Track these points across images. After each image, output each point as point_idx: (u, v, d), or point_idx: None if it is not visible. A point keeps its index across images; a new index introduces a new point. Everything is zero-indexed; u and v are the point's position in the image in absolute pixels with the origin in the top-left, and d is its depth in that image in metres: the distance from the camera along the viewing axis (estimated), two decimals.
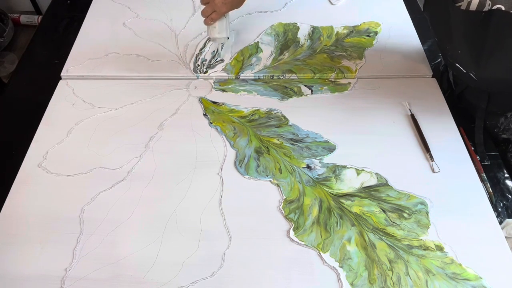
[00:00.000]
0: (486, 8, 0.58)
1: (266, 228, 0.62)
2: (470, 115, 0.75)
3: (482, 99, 0.72)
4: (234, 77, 0.83)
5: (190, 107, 0.78)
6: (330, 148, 0.70)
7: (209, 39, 0.89)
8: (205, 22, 0.80)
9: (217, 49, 0.87)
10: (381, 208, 0.63)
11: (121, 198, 0.65)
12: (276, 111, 0.76)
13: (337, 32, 0.90)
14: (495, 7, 0.56)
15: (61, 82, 0.83)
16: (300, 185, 0.66)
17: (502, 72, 0.64)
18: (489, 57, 0.62)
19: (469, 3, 0.60)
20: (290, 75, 0.82)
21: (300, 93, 0.79)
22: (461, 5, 0.61)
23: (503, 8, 0.56)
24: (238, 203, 0.64)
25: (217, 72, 0.84)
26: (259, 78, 0.82)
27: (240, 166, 0.68)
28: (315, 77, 0.82)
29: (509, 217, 0.64)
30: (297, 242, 0.60)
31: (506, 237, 0.60)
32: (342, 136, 0.72)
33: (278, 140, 0.72)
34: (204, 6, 0.78)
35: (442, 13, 0.66)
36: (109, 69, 0.84)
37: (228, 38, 0.84)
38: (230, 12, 0.81)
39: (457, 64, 0.69)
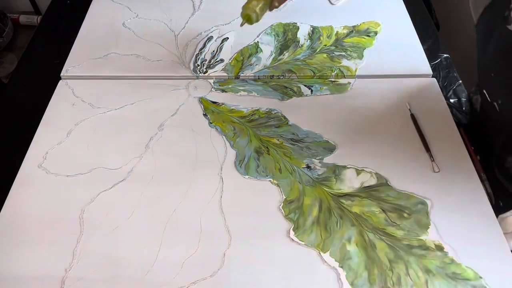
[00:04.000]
0: None
1: (266, 228, 0.62)
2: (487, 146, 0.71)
3: (501, 133, 0.67)
4: (234, 77, 0.83)
5: (190, 107, 0.78)
6: (330, 148, 0.70)
7: (209, 39, 0.89)
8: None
9: (217, 49, 0.87)
10: (381, 208, 0.63)
11: (121, 198, 0.65)
12: (276, 111, 0.76)
13: (337, 32, 0.90)
14: None
15: (61, 82, 0.82)
16: (300, 185, 0.66)
17: None
18: None
19: None
20: (290, 75, 0.82)
21: (300, 93, 0.79)
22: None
23: None
24: (238, 203, 0.64)
25: (217, 72, 0.84)
26: (259, 78, 0.83)
27: (240, 166, 0.68)
28: (315, 77, 0.82)
29: None
30: (297, 242, 0.60)
31: (503, 233, 0.60)
32: (342, 136, 0.72)
33: (278, 140, 0.72)
34: None
35: (490, 31, 0.62)
36: (109, 69, 0.84)
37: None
38: (230, 10, 0.77)
39: (484, 90, 0.67)
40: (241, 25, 0.73)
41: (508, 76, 0.61)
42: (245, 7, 0.71)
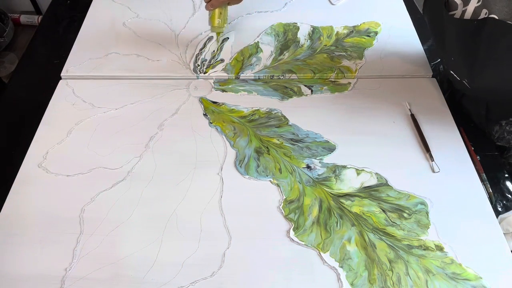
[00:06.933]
0: (481, 17, 0.57)
1: (266, 228, 0.62)
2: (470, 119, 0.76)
3: (479, 107, 0.72)
4: (234, 77, 0.83)
5: (190, 107, 0.78)
6: (330, 148, 0.70)
7: (209, 39, 0.89)
8: (206, 7, 0.82)
9: (217, 48, 0.87)
10: (381, 208, 0.63)
11: (121, 198, 0.65)
12: (276, 111, 0.76)
13: (337, 32, 0.90)
14: (490, 16, 0.56)
15: (61, 82, 0.83)
16: (300, 185, 0.66)
17: (495, 81, 0.63)
18: (481, 66, 0.62)
19: (463, 12, 0.60)
20: (290, 75, 0.82)
21: (300, 93, 0.79)
22: (455, 13, 0.61)
23: (497, 18, 0.55)
24: (238, 203, 0.64)
25: (217, 72, 0.84)
26: (259, 78, 0.82)
27: (240, 166, 0.68)
28: (315, 77, 0.82)
29: None
30: (297, 242, 0.60)
31: (503, 233, 0.60)
32: (342, 136, 0.72)
33: (278, 140, 0.72)
34: None
35: (437, 19, 0.66)
36: (109, 69, 0.84)
37: (224, 31, 0.88)
38: (230, 11, 0.81)
39: (451, 71, 0.69)
40: (218, 41, 0.89)
41: (466, 60, 0.64)
42: (213, 27, 0.85)
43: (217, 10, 0.82)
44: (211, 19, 0.83)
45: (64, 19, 0.99)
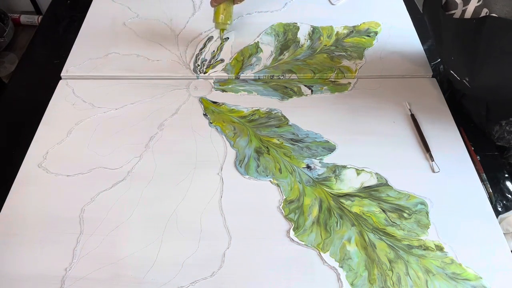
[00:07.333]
0: (482, 16, 0.58)
1: (266, 228, 0.62)
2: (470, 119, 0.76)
3: (479, 107, 0.72)
4: (234, 77, 0.83)
5: (190, 107, 0.78)
6: (330, 148, 0.70)
7: (209, 39, 0.89)
8: (211, 4, 0.83)
9: (217, 48, 0.87)
10: (381, 208, 0.63)
11: (121, 198, 0.65)
12: (276, 111, 0.76)
13: (337, 32, 0.90)
14: (491, 15, 0.56)
15: (61, 82, 0.83)
16: (300, 185, 0.66)
17: (495, 79, 0.64)
18: (481, 65, 0.61)
19: (463, 11, 0.60)
20: (290, 75, 0.82)
21: (300, 93, 0.79)
22: (454, 13, 0.61)
23: (497, 16, 0.56)
24: (238, 203, 0.64)
25: (217, 72, 0.84)
26: (259, 78, 0.83)
27: (240, 166, 0.68)
28: (315, 77, 0.82)
29: None
30: (297, 242, 0.60)
31: (503, 233, 0.60)
32: (342, 136, 0.72)
33: (278, 140, 0.72)
34: None
35: (436, 19, 0.66)
36: (109, 69, 0.84)
37: (229, 25, 0.87)
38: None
39: (451, 71, 0.69)
40: (221, 38, 0.89)
41: (466, 59, 0.64)
42: (217, 23, 0.85)
43: (221, 6, 0.82)
44: (215, 15, 0.84)
45: (64, 19, 0.99)
